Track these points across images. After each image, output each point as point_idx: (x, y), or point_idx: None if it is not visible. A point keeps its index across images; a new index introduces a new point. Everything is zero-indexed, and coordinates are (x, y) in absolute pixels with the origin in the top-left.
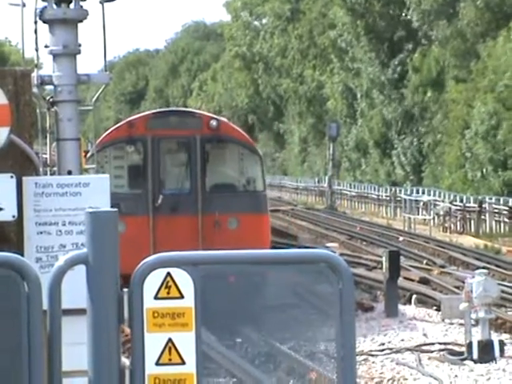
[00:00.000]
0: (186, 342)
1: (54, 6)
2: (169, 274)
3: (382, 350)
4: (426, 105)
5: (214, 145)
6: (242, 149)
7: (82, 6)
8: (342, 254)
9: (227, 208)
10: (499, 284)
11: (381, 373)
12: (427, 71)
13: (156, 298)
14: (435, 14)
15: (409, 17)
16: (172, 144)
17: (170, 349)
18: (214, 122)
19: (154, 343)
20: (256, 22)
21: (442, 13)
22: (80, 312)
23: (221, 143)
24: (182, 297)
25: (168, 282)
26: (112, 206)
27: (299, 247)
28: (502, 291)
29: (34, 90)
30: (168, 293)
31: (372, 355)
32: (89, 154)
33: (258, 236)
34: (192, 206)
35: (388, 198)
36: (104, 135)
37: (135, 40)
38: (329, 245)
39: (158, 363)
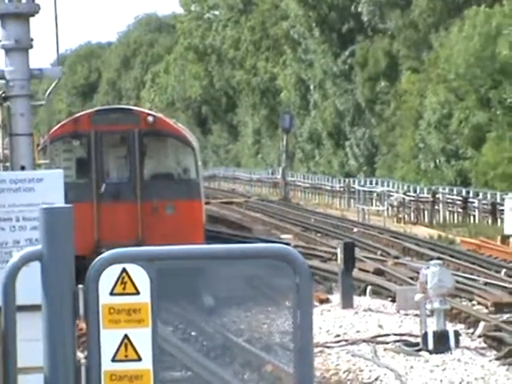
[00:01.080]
0: (142, 338)
1: (6, 1)
2: (124, 269)
3: (338, 342)
4: (375, 97)
5: (151, 138)
6: (176, 142)
7: (33, 0)
8: (296, 246)
9: (164, 195)
10: (453, 274)
11: (337, 364)
12: (375, 63)
13: (112, 293)
14: (388, 5)
15: (359, 9)
16: (113, 138)
17: (126, 345)
18: (150, 118)
19: (110, 339)
20: (208, 14)
21: (394, 4)
22: (36, 308)
23: (157, 137)
24: (137, 293)
25: (124, 278)
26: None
27: (254, 240)
28: (457, 281)
29: None
30: (124, 288)
31: (328, 347)
32: (40, 148)
33: (193, 220)
34: (132, 194)
35: (342, 190)
36: (53, 130)
37: (87, 32)
38: (283, 236)
39: (114, 359)
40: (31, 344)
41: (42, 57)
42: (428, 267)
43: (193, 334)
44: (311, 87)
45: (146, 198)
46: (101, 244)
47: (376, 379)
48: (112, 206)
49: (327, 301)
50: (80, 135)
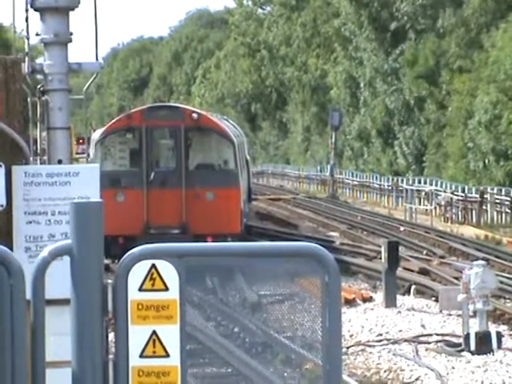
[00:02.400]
0: (170, 334)
1: None
2: (154, 265)
3: (380, 341)
4: (425, 96)
5: (195, 133)
6: (217, 136)
7: None
8: (342, 244)
9: (205, 183)
10: (498, 275)
11: (378, 364)
12: (424, 62)
13: (140, 289)
14: (439, 3)
15: (410, 8)
16: (162, 132)
17: (154, 341)
18: (195, 115)
19: (138, 335)
20: (260, 10)
21: (446, 3)
22: (65, 302)
23: (200, 132)
24: (166, 289)
25: (153, 274)
26: (115, 181)
27: (299, 237)
28: (501, 282)
29: (31, 77)
30: (153, 285)
31: (369, 346)
32: (95, 140)
33: (230, 206)
34: (177, 182)
35: (390, 188)
36: (108, 125)
37: (139, 27)
38: (330, 234)
39: (142, 355)
40: (59, 338)
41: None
42: (471, 267)
43: (235, 330)
44: (361, 85)
45: (190, 186)
46: (149, 225)
47: (417, 379)
48: (160, 192)
49: (371, 299)
50: (133, 129)
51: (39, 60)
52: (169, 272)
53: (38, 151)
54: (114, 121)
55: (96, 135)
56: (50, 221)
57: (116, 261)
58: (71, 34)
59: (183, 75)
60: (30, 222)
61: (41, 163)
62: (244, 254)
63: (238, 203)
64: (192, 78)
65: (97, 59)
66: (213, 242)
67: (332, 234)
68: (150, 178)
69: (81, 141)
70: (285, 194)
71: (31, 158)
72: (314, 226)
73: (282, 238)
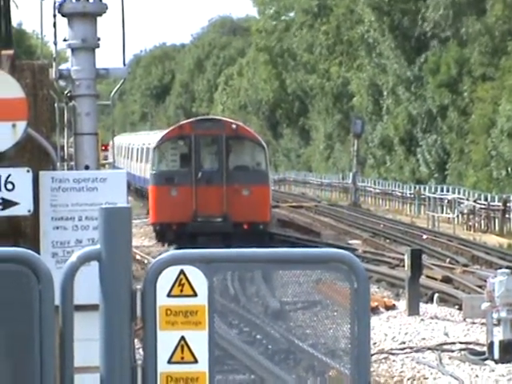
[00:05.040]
0: (198, 340)
1: (74, 0)
2: (182, 271)
3: (403, 349)
4: (446, 104)
5: (234, 140)
6: (252, 143)
7: (101, 0)
8: (364, 252)
9: (242, 181)
10: None
11: (401, 372)
12: (447, 70)
13: (169, 295)
14: (462, 11)
15: (432, 15)
16: (207, 140)
17: (182, 347)
18: (233, 126)
19: (166, 341)
20: (283, 17)
21: (469, 10)
22: (93, 308)
23: (238, 139)
24: (195, 295)
25: (181, 280)
26: (169, 179)
27: (322, 245)
28: None
29: (59, 83)
30: (181, 290)
31: (392, 354)
32: (154, 146)
33: (262, 200)
34: (220, 180)
35: (412, 196)
36: (165, 133)
37: (162, 34)
38: (352, 242)
39: (170, 361)
40: (88, 344)
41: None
42: (495, 276)
43: (258, 337)
44: (384, 92)
45: (230, 183)
46: (197, 214)
47: None
48: (205, 188)
49: (393, 307)
50: (184, 137)
51: (64, 66)
52: (197, 278)
53: (65, 157)
54: (167, 131)
55: (118, 141)
56: (76, 226)
57: (169, 244)
58: (99, 39)
59: (205, 82)
60: (57, 228)
61: (68, 169)
62: (274, 260)
63: (267, 198)
64: (214, 85)
65: (124, 65)
66: (248, 228)
67: (354, 241)
68: (198, 176)
69: (103, 147)
70: (307, 201)
71: (58, 164)
72: (336, 233)
73: (303, 246)
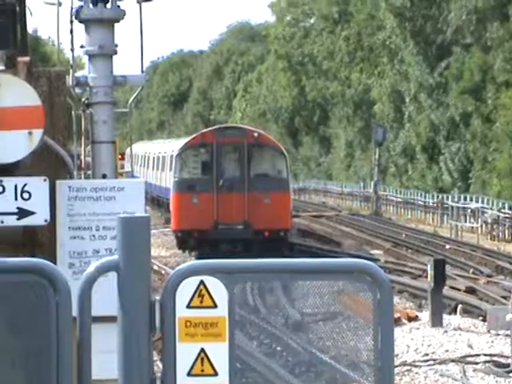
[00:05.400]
0: (218, 352)
1: (91, 6)
2: (202, 282)
3: (426, 361)
4: (469, 111)
5: (255, 148)
6: (273, 151)
7: (119, 6)
8: (386, 262)
9: (264, 189)
10: None
11: None
12: (470, 76)
13: (188, 306)
14: (486, 17)
15: (455, 21)
16: (229, 147)
17: (202, 359)
18: (255, 134)
19: (185, 353)
20: (302, 24)
21: (493, 16)
22: (112, 319)
23: (259, 147)
24: (215, 306)
25: (201, 291)
26: (191, 186)
27: (343, 255)
28: None
29: (75, 90)
30: (201, 302)
31: (415, 366)
32: (175, 154)
33: (283, 207)
34: (241, 187)
35: (435, 205)
36: (187, 141)
37: (179, 40)
38: (373, 252)
39: (189, 374)
40: (106, 356)
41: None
42: None
43: (278, 349)
44: (406, 99)
45: (251, 191)
46: (218, 222)
47: None
48: (227, 195)
49: (416, 318)
50: (206, 145)
51: (81, 73)
52: (217, 289)
53: (82, 166)
54: (190, 138)
55: (134, 150)
56: (94, 236)
57: (191, 252)
58: (116, 45)
59: (224, 89)
60: (74, 238)
61: (85, 178)
62: (295, 270)
63: (288, 205)
64: (233, 93)
65: (142, 72)
66: (269, 236)
67: (376, 251)
68: (219, 184)
69: (120, 156)
70: (327, 210)
71: (75, 173)
72: (357, 243)
73: (324, 256)
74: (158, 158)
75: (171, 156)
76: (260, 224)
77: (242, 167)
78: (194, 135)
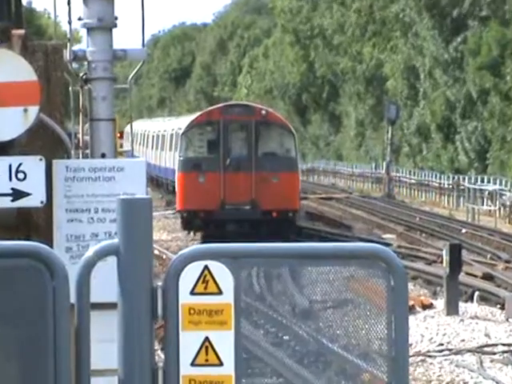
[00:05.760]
0: (224, 341)
1: None
2: (206, 267)
3: (441, 351)
4: (487, 87)
5: (263, 126)
6: (281, 129)
7: None
8: (399, 247)
9: (271, 168)
10: None
11: (439, 375)
12: (488, 51)
13: (192, 293)
14: None
15: None
16: (236, 125)
17: (206, 348)
18: (263, 111)
19: (189, 342)
20: None
21: None
22: (111, 306)
23: (268, 125)
24: (220, 292)
25: (205, 276)
26: (197, 165)
27: (353, 239)
28: None
29: (73, 65)
30: (205, 288)
31: (430, 356)
32: (180, 132)
33: (291, 187)
34: (248, 166)
35: (450, 187)
36: (193, 118)
37: (181, 13)
38: (385, 236)
39: (193, 364)
40: (105, 345)
41: (132, 38)
42: None
43: (285, 338)
44: (420, 76)
45: (259, 170)
46: (225, 202)
47: None
48: (234, 175)
49: (431, 306)
50: (212, 123)
51: (77, 47)
52: (223, 274)
53: (80, 144)
54: (195, 116)
55: (134, 128)
56: (92, 219)
57: (196, 233)
58: (116, 18)
59: (228, 65)
60: (72, 220)
61: (83, 157)
62: (304, 255)
63: (297, 185)
64: (238, 68)
65: (143, 45)
66: (277, 216)
67: (388, 236)
68: (226, 163)
69: (118, 135)
70: (337, 192)
71: (73, 152)
72: (369, 227)
73: (334, 240)
74: (157, 137)
75: (171, 135)
76: (268, 204)
77: (249, 146)
78: (200, 113)
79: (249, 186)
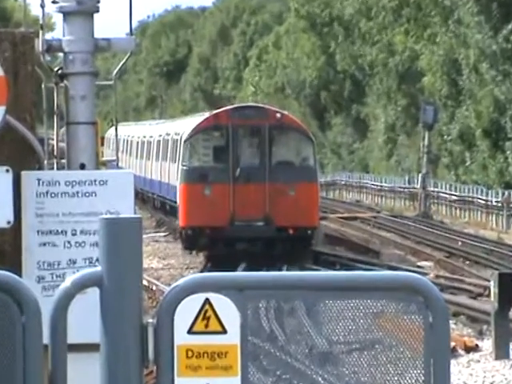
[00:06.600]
0: None
1: None
2: (207, 300)
3: None
4: None
5: (278, 131)
6: (299, 135)
7: None
8: (438, 277)
9: (287, 179)
10: None
11: None
12: None
13: (190, 332)
14: None
15: None
16: (247, 130)
17: None
18: (278, 115)
19: None
20: None
21: None
22: (92, 348)
23: (282, 130)
24: (224, 331)
25: (206, 312)
26: (202, 176)
27: (382, 267)
28: None
29: (46, 57)
30: (206, 326)
31: None
32: (183, 139)
33: (310, 200)
34: (261, 177)
35: (499, 205)
36: (198, 123)
37: None
38: (421, 264)
39: None
40: None
41: (116, 26)
42: None
43: None
44: (463, 71)
45: (273, 181)
46: (235, 217)
47: None
48: (244, 186)
49: (476, 349)
50: (220, 127)
51: (51, 35)
52: (227, 309)
53: (55, 153)
54: (201, 120)
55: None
56: (69, 243)
57: (201, 252)
58: (98, 1)
59: (231, 57)
60: (45, 244)
61: (58, 168)
62: (323, 287)
63: (316, 198)
64: (243, 61)
65: (131, 33)
66: (294, 234)
67: (424, 263)
68: (236, 173)
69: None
70: (362, 211)
71: (46, 162)
72: (401, 253)
73: (358, 268)
74: (142, 144)
75: (158, 141)
76: (283, 220)
77: (262, 153)
78: (205, 115)
79: (261, 200)
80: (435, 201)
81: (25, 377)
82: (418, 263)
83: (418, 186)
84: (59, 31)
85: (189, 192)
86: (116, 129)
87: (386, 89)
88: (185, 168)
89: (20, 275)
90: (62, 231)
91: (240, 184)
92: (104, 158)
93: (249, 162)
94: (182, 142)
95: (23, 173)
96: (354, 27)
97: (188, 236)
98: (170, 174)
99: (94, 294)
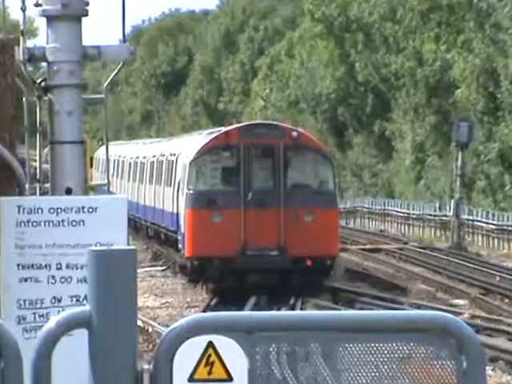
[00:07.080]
0: None
1: None
2: (211, 344)
3: None
4: None
5: (294, 151)
6: (317, 156)
7: None
8: (473, 317)
9: (304, 203)
10: None
11: None
12: None
13: (191, 379)
14: None
15: None
16: (260, 150)
17: None
18: (294, 133)
19: None
20: None
21: None
22: None
23: (299, 150)
24: (230, 379)
25: (210, 357)
26: (211, 201)
27: (409, 306)
28: None
29: (27, 67)
30: (209, 372)
31: None
32: (189, 160)
33: (330, 227)
34: (275, 202)
35: None
36: (205, 142)
37: None
38: (454, 302)
39: None
40: None
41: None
42: None
43: None
44: (502, 83)
45: (288, 206)
46: (247, 247)
47: None
48: (257, 213)
49: None
50: (230, 147)
51: (33, 42)
52: (233, 353)
53: (38, 176)
54: (210, 139)
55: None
56: (54, 278)
57: (208, 284)
58: (86, 4)
59: (238, 67)
60: (26, 280)
61: (41, 194)
62: (345, 328)
63: (336, 224)
64: (251, 72)
65: (124, 40)
66: (312, 265)
67: (458, 302)
68: (248, 197)
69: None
70: (387, 242)
71: (27, 186)
72: (431, 289)
73: (383, 307)
74: (135, 165)
75: (152, 162)
76: (299, 250)
77: (276, 176)
78: (214, 134)
79: (276, 227)
80: (470, 230)
81: None
82: (451, 301)
83: (451, 214)
84: (43, 38)
85: (195, 219)
86: (107, 148)
87: (414, 103)
88: (191, 192)
89: None
90: (45, 265)
91: (252, 210)
92: (94, 182)
93: (262, 186)
94: (188, 164)
95: (1, 199)
96: (376, 32)
97: (194, 267)
98: (164, 198)
99: (81, 335)
